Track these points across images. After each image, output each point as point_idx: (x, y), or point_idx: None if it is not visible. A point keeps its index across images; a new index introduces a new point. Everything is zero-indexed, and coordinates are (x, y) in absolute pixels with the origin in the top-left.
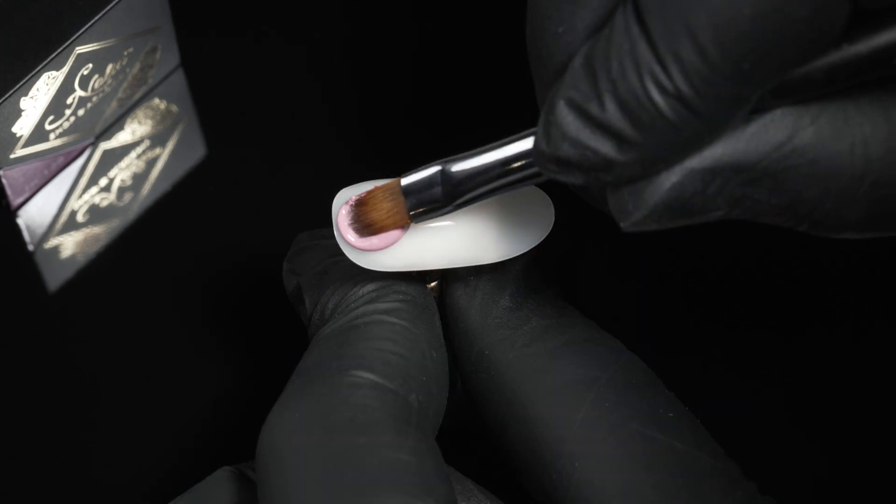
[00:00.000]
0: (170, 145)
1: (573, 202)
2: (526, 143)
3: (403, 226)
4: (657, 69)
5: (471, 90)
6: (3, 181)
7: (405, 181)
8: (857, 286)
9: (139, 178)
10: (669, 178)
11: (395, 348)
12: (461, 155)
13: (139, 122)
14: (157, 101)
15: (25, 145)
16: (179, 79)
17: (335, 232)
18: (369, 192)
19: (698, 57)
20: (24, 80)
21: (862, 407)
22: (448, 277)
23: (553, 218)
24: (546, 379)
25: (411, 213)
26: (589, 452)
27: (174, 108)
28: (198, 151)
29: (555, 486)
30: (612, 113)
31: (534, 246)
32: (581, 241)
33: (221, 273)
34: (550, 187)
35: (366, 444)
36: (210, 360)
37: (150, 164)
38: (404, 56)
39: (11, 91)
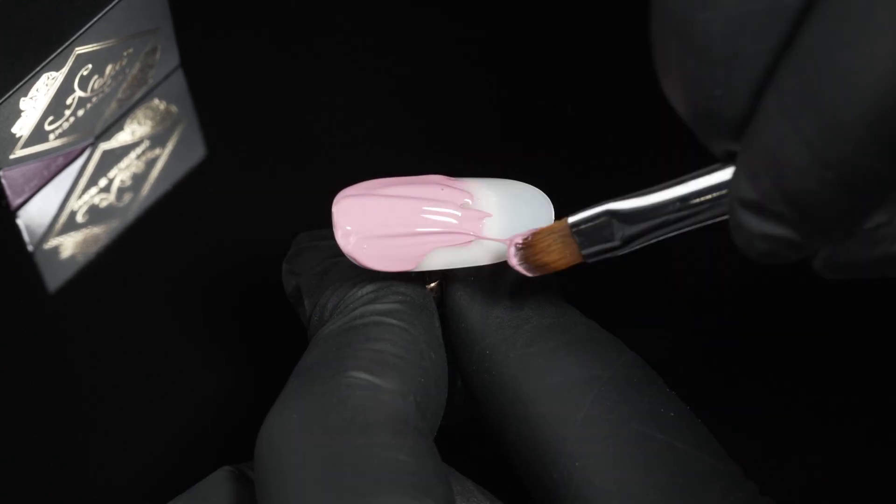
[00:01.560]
0: (169, 146)
1: (573, 204)
2: (705, 181)
3: (577, 264)
4: (813, 167)
5: (471, 91)
6: (3, 181)
7: (572, 220)
8: (858, 286)
9: (139, 179)
10: (878, 248)
11: (394, 349)
12: (630, 195)
13: (139, 123)
14: (156, 101)
15: (25, 146)
16: (179, 79)
17: (335, 233)
18: (535, 234)
19: (855, 149)
20: (23, 81)
21: (863, 408)
22: (448, 278)
23: (553, 218)
24: (547, 378)
25: (584, 252)
26: (590, 452)
27: (174, 108)
28: (197, 152)
29: (556, 485)
30: (784, 207)
31: None
32: None
33: (221, 273)
34: (549, 188)
35: (364, 445)
36: (210, 361)
37: (150, 164)
38: (403, 55)
39: (11, 91)
